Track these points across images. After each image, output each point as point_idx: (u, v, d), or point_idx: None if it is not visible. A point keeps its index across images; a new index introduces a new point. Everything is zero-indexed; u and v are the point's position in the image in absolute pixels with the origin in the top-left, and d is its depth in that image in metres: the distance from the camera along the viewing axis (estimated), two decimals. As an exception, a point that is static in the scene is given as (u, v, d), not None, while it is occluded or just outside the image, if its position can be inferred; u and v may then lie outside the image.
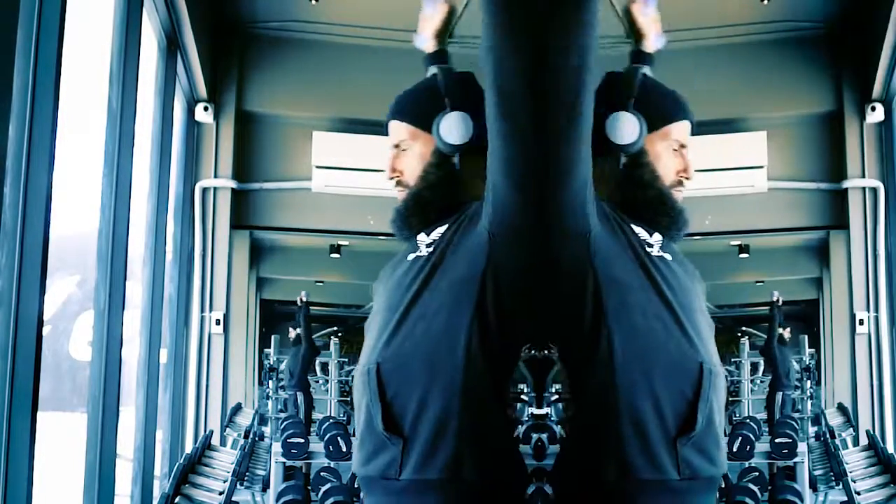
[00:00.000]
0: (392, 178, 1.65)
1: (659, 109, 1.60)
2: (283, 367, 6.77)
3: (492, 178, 1.38)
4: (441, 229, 1.53)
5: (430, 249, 1.51)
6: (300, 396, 6.64)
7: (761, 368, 6.86)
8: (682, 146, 1.64)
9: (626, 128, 1.56)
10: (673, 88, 1.66)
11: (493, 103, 1.29)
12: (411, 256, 1.53)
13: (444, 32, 1.78)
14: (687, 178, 1.64)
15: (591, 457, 1.41)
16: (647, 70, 1.64)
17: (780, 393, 6.58)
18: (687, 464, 1.41)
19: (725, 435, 1.53)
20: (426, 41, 1.77)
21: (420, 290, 1.47)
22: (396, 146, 1.65)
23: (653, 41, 1.76)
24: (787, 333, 6.80)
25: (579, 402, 1.44)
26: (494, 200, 1.39)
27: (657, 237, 1.53)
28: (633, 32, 1.76)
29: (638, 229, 1.52)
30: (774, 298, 6.75)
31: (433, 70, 1.65)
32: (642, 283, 1.45)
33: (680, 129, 1.63)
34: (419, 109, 1.62)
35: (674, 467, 1.40)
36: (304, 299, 6.83)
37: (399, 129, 1.65)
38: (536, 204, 1.35)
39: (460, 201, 1.57)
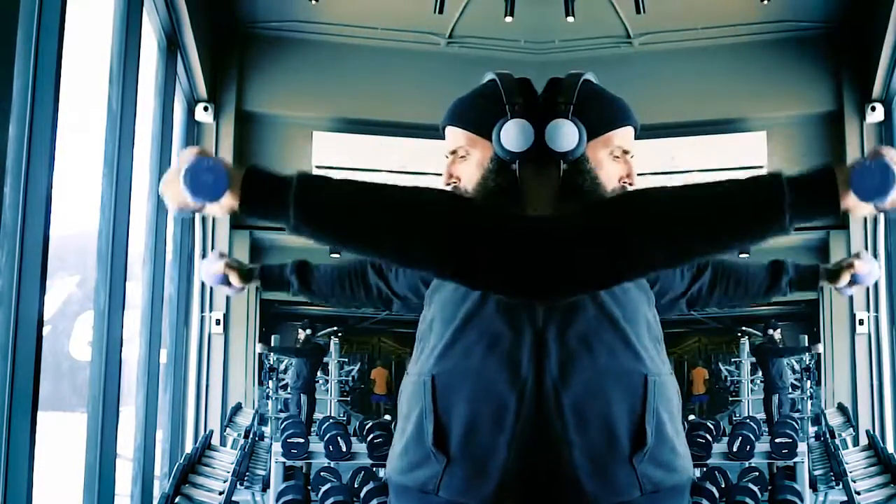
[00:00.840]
0: (448, 184, 1.64)
1: (600, 116, 1.58)
2: (283, 366, 6.77)
3: None
4: None
5: None
6: (304, 398, 6.64)
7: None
8: (626, 152, 1.62)
9: (565, 135, 1.54)
10: (618, 95, 1.65)
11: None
12: None
13: (246, 273, 1.91)
14: (630, 184, 1.62)
15: (549, 494, 1.40)
16: (590, 76, 1.63)
17: (776, 395, 6.58)
18: (647, 479, 1.41)
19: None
20: (236, 291, 1.86)
21: (475, 308, 1.46)
22: (454, 152, 1.63)
23: (838, 288, 1.86)
24: (777, 334, 6.80)
25: (532, 439, 1.43)
26: None
27: None
28: (833, 274, 1.90)
29: None
30: (778, 337, 6.74)
31: (490, 76, 1.64)
32: (585, 306, 1.44)
33: (622, 136, 1.60)
34: (478, 115, 1.59)
35: (635, 486, 1.40)
36: (302, 338, 6.84)
37: (457, 135, 1.62)
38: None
39: (520, 208, 1.56)
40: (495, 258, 1.28)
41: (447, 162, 1.63)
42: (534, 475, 1.40)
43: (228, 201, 1.24)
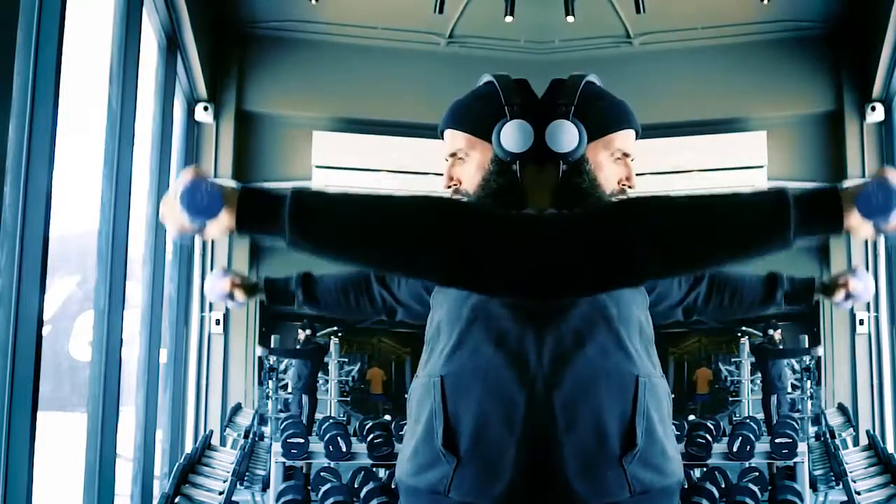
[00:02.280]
0: (449, 187, 1.64)
1: (601, 118, 1.58)
2: (283, 367, 6.76)
3: None
4: None
5: None
6: (305, 399, 6.63)
7: (761, 368, 6.86)
8: (626, 155, 1.62)
9: (566, 136, 1.54)
10: (619, 96, 1.64)
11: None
12: None
13: (251, 287, 1.92)
14: (630, 187, 1.62)
15: (539, 493, 1.40)
16: (593, 78, 1.63)
17: (775, 395, 6.57)
18: (637, 480, 1.41)
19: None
20: (240, 305, 1.88)
21: (479, 305, 1.46)
22: (453, 154, 1.63)
23: (834, 302, 1.86)
24: (777, 335, 6.79)
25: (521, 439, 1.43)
26: None
27: None
28: (828, 290, 1.88)
29: None
30: (778, 338, 6.73)
31: (487, 77, 1.64)
32: (580, 302, 1.44)
33: (623, 138, 1.60)
34: (477, 118, 1.59)
35: (624, 487, 1.40)
36: (302, 338, 6.83)
37: (456, 138, 1.62)
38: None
39: (522, 208, 1.56)
40: (497, 262, 1.28)
41: (447, 165, 1.63)
42: (540, 474, 1.40)
43: (225, 221, 1.26)
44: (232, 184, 1.27)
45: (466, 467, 1.41)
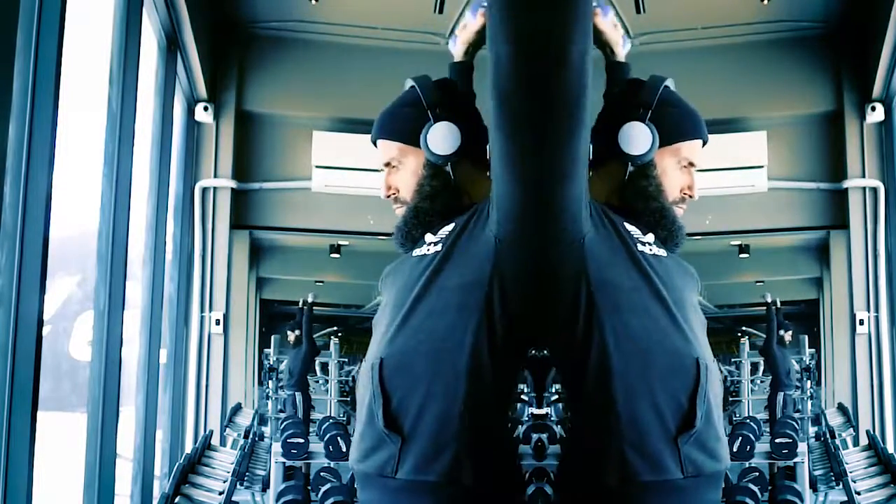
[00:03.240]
0: (388, 196, 1.65)
1: (674, 125, 1.60)
2: (282, 367, 6.76)
3: (495, 181, 1.38)
4: (448, 228, 1.53)
5: (437, 248, 1.51)
6: (298, 396, 6.63)
7: (761, 368, 6.85)
8: (691, 164, 1.63)
9: (639, 138, 1.56)
10: (693, 107, 1.65)
11: (495, 107, 1.29)
12: (417, 254, 1.54)
13: (478, 44, 1.78)
14: (691, 197, 1.63)
15: (592, 462, 1.40)
16: (669, 83, 1.64)
17: (781, 393, 6.57)
18: (690, 461, 1.41)
19: (725, 434, 1.53)
20: (458, 48, 1.78)
21: (425, 288, 1.48)
22: (387, 164, 1.65)
23: (620, 48, 1.78)
24: (788, 336, 6.78)
25: (576, 407, 1.44)
26: (499, 204, 1.39)
27: (651, 236, 1.53)
28: (601, 44, 1.78)
29: (631, 228, 1.51)
30: (768, 300, 6.72)
31: (410, 83, 1.66)
32: (636, 282, 1.45)
33: (691, 148, 1.63)
34: (404, 125, 1.62)
35: (677, 466, 1.39)
36: (310, 300, 6.81)
37: (388, 148, 1.64)
38: (538, 207, 1.35)
39: (460, 207, 1.57)
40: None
41: (383, 175, 1.64)
42: (489, 449, 1.41)
43: None
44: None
45: (412, 445, 1.41)
